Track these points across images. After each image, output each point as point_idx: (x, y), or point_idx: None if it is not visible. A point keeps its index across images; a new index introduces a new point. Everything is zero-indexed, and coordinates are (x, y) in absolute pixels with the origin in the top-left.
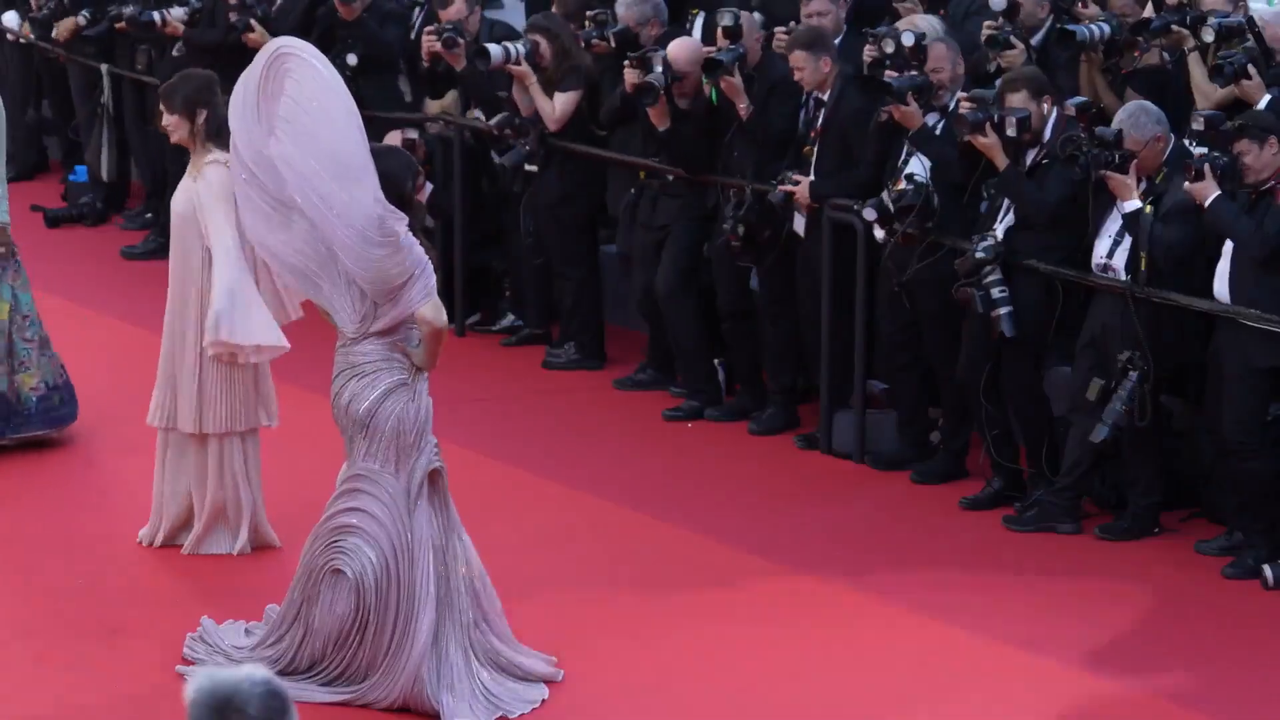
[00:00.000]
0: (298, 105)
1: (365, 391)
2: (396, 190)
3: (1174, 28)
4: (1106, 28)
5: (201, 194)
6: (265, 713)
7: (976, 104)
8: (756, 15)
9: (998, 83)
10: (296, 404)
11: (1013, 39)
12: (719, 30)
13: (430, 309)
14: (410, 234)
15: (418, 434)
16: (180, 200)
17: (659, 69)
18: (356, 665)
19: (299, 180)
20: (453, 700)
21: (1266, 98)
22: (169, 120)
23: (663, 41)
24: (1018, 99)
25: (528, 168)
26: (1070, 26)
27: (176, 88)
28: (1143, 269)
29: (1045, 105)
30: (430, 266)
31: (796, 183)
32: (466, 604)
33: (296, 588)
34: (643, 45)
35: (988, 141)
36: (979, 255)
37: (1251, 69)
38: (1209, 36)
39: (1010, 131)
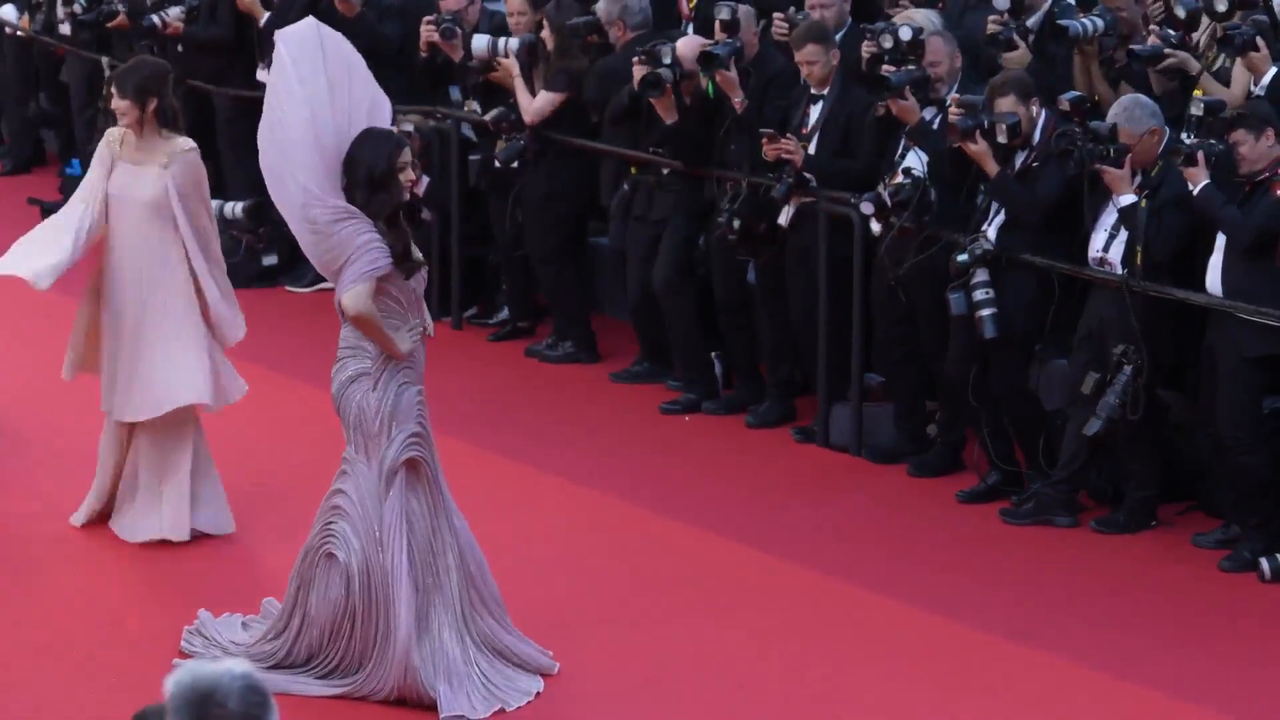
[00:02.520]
0: (269, 92)
1: (335, 377)
2: (366, 172)
3: (1169, 54)
4: (1100, 22)
5: (179, 183)
6: (245, 707)
7: (965, 110)
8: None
9: (987, 85)
10: (292, 393)
11: (1015, 38)
12: (716, 23)
13: (348, 296)
14: (345, 224)
15: (382, 424)
16: (143, 187)
17: (667, 60)
18: (350, 656)
19: (265, 165)
20: (450, 690)
21: (1273, 70)
22: (119, 104)
23: (632, 45)
24: (1006, 103)
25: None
26: (1063, 21)
27: (129, 73)
28: (1138, 262)
29: (1034, 108)
30: (370, 254)
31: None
32: (460, 591)
33: (296, 572)
34: (612, 44)
35: (978, 149)
36: (960, 259)
37: (1259, 41)
38: (1222, 6)
39: (1001, 138)
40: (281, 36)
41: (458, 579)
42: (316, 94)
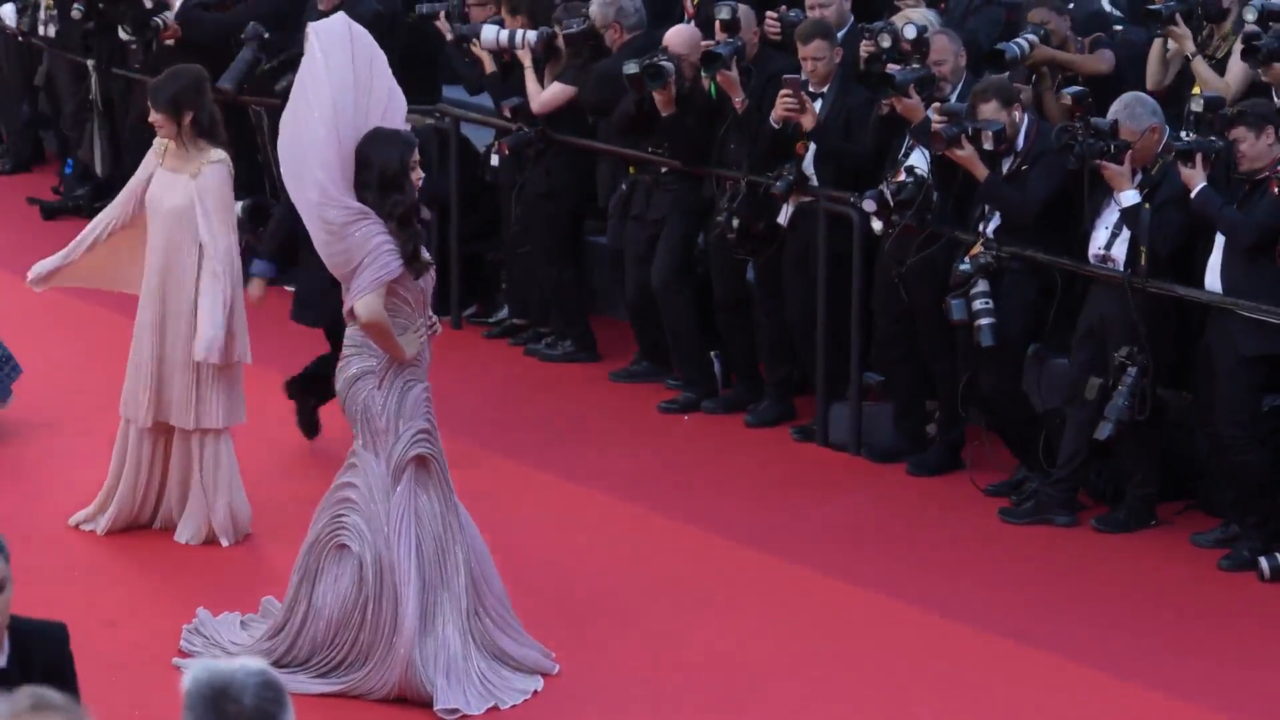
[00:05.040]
0: (297, 84)
1: (340, 374)
2: (379, 172)
3: (1174, 30)
4: (1034, 38)
5: (203, 194)
6: (259, 703)
7: (949, 118)
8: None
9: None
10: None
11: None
12: (717, 23)
13: (360, 304)
14: (359, 225)
15: (389, 422)
16: (172, 195)
17: (665, 62)
18: (358, 648)
19: (283, 160)
20: (447, 684)
21: None
22: (155, 117)
23: (629, 46)
24: (989, 109)
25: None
26: (999, 45)
27: (163, 86)
28: (1142, 263)
29: (1016, 113)
30: (382, 258)
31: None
32: (467, 588)
33: (299, 566)
34: (609, 48)
35: (965, 154)
36: (962, 269)
37: None
38: (1251, 16)
39: (987, 145)
40: (314, 29)
41: (465, 576)
42: (342, 87)
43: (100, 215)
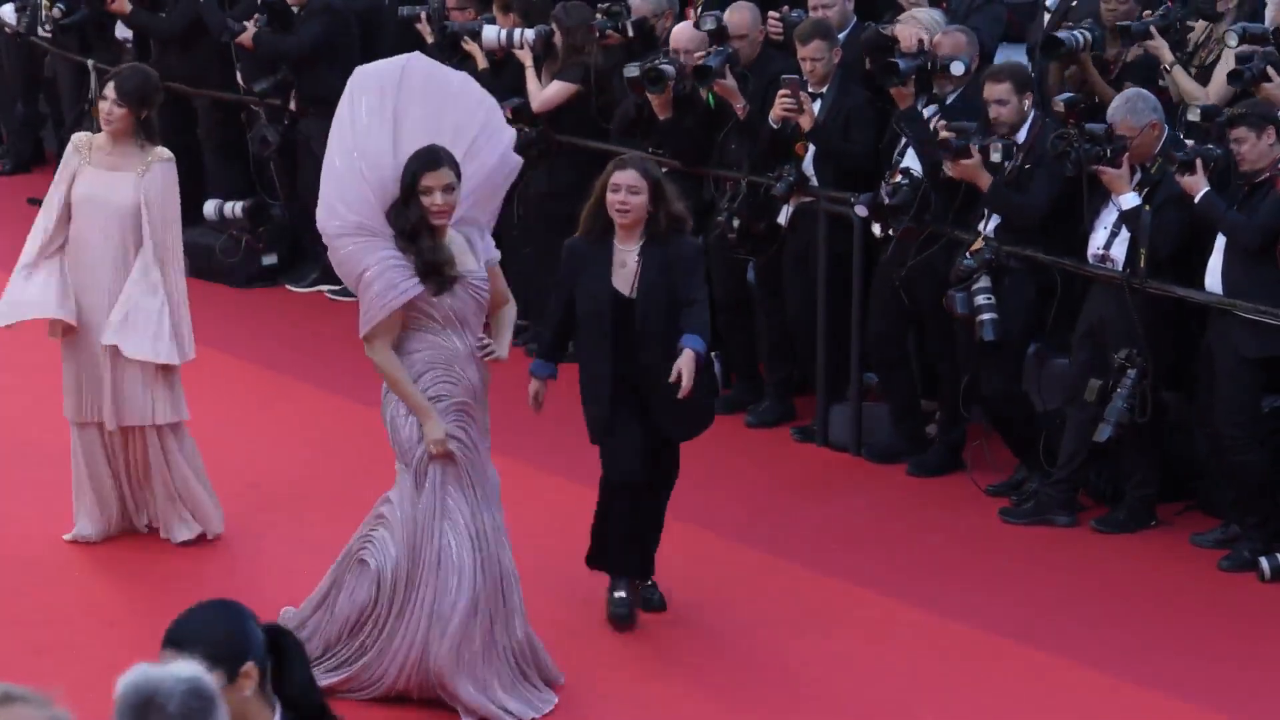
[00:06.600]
0: (334, 119)
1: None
2: (397, 188)
3: (1149, 44)
4: (1089, 35)
5: (151, 191)
6: (184, 711)
7: (958, 133)
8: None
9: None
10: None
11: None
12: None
13: (367, 347)
14: (351, 239)
15: (411, 430)
16: (118, 193)
17: (666, 65)
18: (371, 640)
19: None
20: (493, 690)
21: None
22: (116, 110)
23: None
24: (1000, 89)
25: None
26: (1058, 34)
27: (130, 78)
28: (1142, 265)
29: (1026, 101)
30: (390, 275)
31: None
32: (495, 596)
33: (331, 572)
34: (658, 36)
35: (969, 162)
36: (965, 263)
37: (1271, 71)
38: (1233, 41)
39: (995, 157)
40: (360, 71)
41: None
42: (366, 133)
43: (36, 230)
